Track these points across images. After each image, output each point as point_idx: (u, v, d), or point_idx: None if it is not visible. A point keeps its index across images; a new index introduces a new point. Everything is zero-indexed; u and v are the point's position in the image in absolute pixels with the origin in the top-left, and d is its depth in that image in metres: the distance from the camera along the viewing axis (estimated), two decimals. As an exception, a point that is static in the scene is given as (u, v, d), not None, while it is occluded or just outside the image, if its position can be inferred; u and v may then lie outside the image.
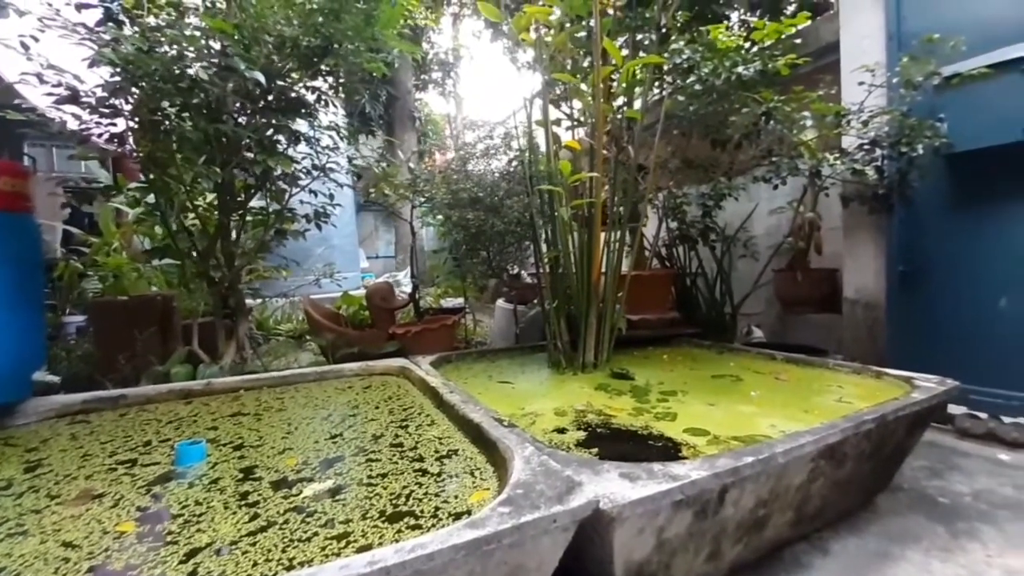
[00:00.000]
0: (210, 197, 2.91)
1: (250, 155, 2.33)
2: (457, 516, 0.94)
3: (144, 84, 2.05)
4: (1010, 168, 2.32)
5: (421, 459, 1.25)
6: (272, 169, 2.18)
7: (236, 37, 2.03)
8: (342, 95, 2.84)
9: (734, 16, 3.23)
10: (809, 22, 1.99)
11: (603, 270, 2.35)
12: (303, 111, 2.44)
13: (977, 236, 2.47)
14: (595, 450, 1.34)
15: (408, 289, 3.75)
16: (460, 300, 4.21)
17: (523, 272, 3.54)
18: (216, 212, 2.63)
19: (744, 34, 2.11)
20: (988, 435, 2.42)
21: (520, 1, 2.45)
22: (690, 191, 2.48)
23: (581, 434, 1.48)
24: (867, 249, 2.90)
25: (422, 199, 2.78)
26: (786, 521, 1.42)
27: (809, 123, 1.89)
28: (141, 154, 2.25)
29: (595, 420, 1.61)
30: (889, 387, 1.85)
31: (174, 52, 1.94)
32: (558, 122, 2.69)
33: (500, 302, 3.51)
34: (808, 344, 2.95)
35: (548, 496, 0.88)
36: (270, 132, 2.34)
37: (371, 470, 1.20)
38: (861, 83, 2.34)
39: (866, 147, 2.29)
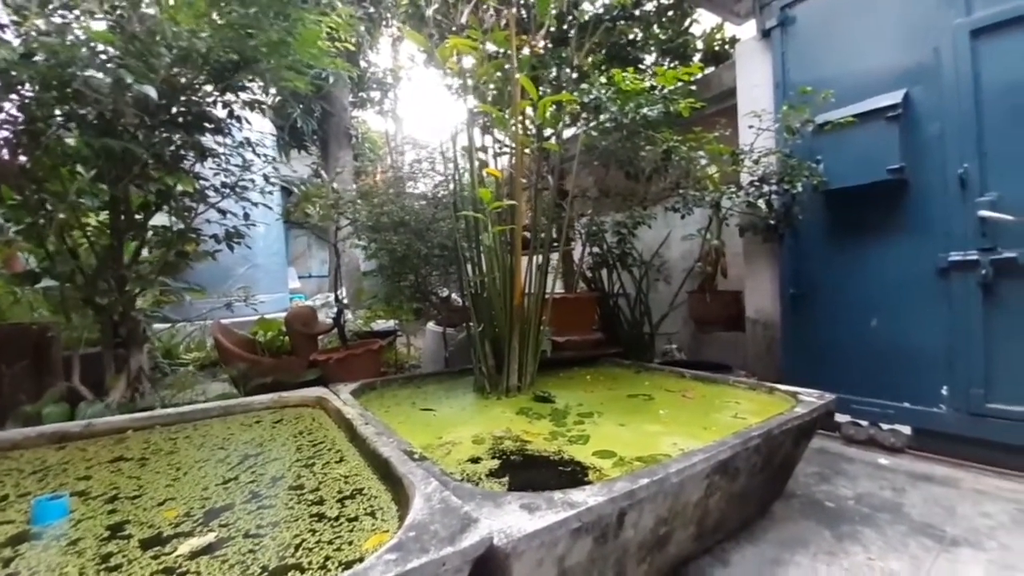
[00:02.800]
0: (104, 215, 2.64)
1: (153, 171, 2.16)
2: (348, 566, 0.90)
3: (22, 92, 1.85)
4: (875, 203, 2.67)
5: (321, 502, 1.19)
6: (171, 187, 2.02)
7: (129, 48, 1.89)
8: (261, 110, 2.72)
9: (649, 59, 3.51)
10: (702, 72, 2.21)
11: (526, 293, 2.40)
12: (211, 126, 2.31)
13: (851, 263, 2.81)
14: (505, 479, 1.35)
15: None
16: (392, 323, 4.10)
17: (453, 295, 3.53)
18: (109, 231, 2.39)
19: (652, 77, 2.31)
20: (869, 441, 2.72)
21: (450, 30, 2.50)
22: (607, 219, 2.63)
23: (495, 463, 1.48)
24: (764, 274, 3.20)
25: (346, 220, 2.70)
26: (688, 536, 1.49)
27: (704, 161, 2.08)
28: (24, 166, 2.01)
29: (511, 447, 1.62)
30: (778, 402, 2.03)
31: (53, 60, 1.76)
32: (484, 149, 2.75)
33: (430, 325, 3.46)
34: (716, 361, 3.17)
35: (441, 537, 0.86)
36: (172, 148, 2.18)
37: (261, 518, 1.11)
38: (751, 126, 2.62)
39: (756, 183, 2.56)
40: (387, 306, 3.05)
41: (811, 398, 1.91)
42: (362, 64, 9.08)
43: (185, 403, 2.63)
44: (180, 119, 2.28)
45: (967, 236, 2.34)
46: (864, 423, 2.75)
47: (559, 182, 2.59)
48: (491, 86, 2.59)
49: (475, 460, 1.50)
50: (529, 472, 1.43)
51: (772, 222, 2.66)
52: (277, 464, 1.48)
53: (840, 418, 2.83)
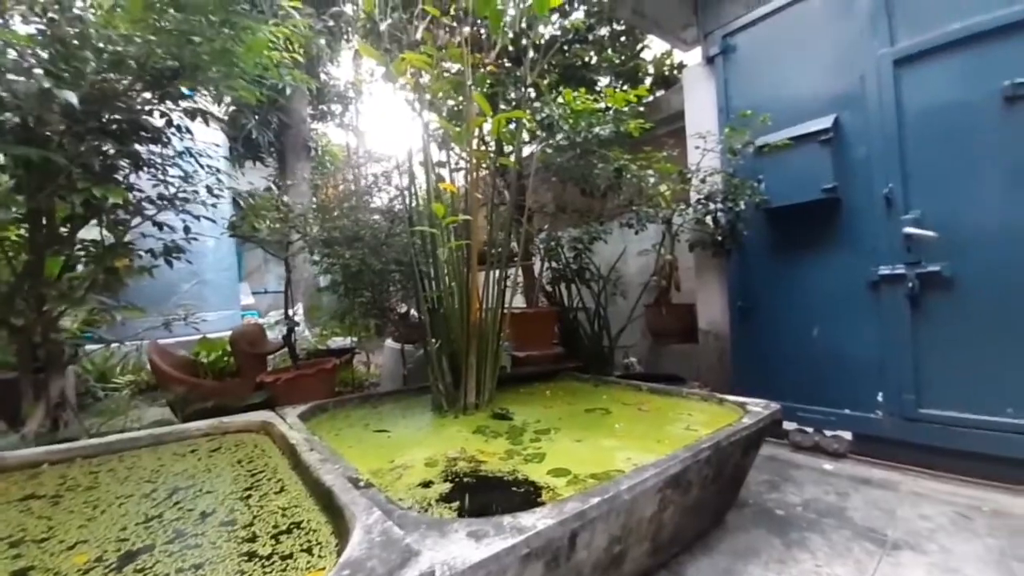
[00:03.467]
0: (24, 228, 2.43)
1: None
2: (277, 608, 0.83)
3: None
4: (812, 221, 2.83)
5: (254, 538, 1.10)
6: (98, 199, 1.89)
7: (55, 52, 1.77)
8: (205, 119, 2.59)
9: (603, 81, 3.63)
10: (652, 95, 2.30)
11: (484, 308, 2.38)
12: (148, 135, 2.18)
13: (792, 276, 2.96)
14: (456, 504, 1.30)
15: (297, 329, 3.44)
16: (349, 340, 3.96)
17: (412, 311, 3.46)
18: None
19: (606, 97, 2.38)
20: (815, 447, 2.83)
21: (405, 45, 2.49)
22: (564, 234, 2.67)
23: (447, 487, 1.43)
24: (714, 287, 3.32)
25: (297, 235, 2.60)
26: (644, 551, 1.49)
27: (652, 180, 2.16)
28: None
29: (465, 468, 1.57)
30: (728, 412, 2.08)
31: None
32: (442, 164, 2.74)
33: (388, 342, 3.37)
34: (671, 373, 3.24)
35: (378, 574, 0.81)
36: (102, 157, 2.04)
37: (184, 560, 1.02)
38: (697, 147, 2.74)
39: (703, 201, 2.67)
40: (341, 323, 2.94)
41: (757, 408, 1.97)
42: (322, 77, 8.93)
43: (116, 431, 2.42)
44: (112, 127, 2.14)
45: (894, 251, 2.51)
46: (810, 430, 2.87)
47: (519, 198, 2.61)
48: (449, 102, 2.59)
49: (426, 484, 1.44)
50: (482, 495, 1.39)
51: (719, 238, 2.77)
52: (209, 498, 1.38)
53: (788, 425, 2.94)
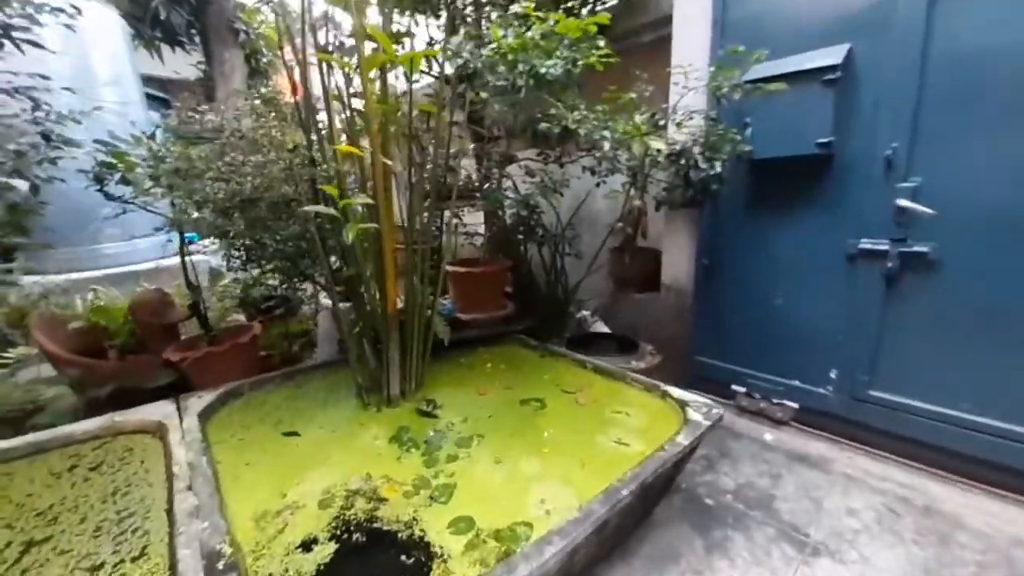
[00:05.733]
0: None
1: None
2: None
3: None
4: (796, 178, 2.45)
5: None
6: None
7: None
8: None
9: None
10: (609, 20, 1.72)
11: (410, 292, 2.07)
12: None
13: (764, 238, 2.65)
14: (330, 586, 1.16)
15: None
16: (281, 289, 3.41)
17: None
18: None
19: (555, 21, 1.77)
20: (759, 413, 2.81)
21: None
22: (510, 193, 2.22)
23: (330, 549, 1.27)
24: (681, 240, 3.01)
25: (162, 189, 2.03)
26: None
27: (607, 144, 1.70)
28: None
29: (361, 513, 1.42)
30: (668, 412, 1.94)
31: None
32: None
33: (322, 297, 3.07)
34: (625, 335, 3.08)
35: None
36: None
37: None
38: (676, 83, 2.22)
39: (673, 157, 2.23)
40: (241, 304, 2.58)
41: (698, 416, 1.82)
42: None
43: None
44: None
45: (882, 224, 2.20)
46: (757, 396, 2.82)
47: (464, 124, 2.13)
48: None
49: (308, 546, 1.29)
50: (364, 568, 1.24)
51: (689, 194, 2.40)
52: (57, 567, 1.20)
53: (736, 388, 2.89)
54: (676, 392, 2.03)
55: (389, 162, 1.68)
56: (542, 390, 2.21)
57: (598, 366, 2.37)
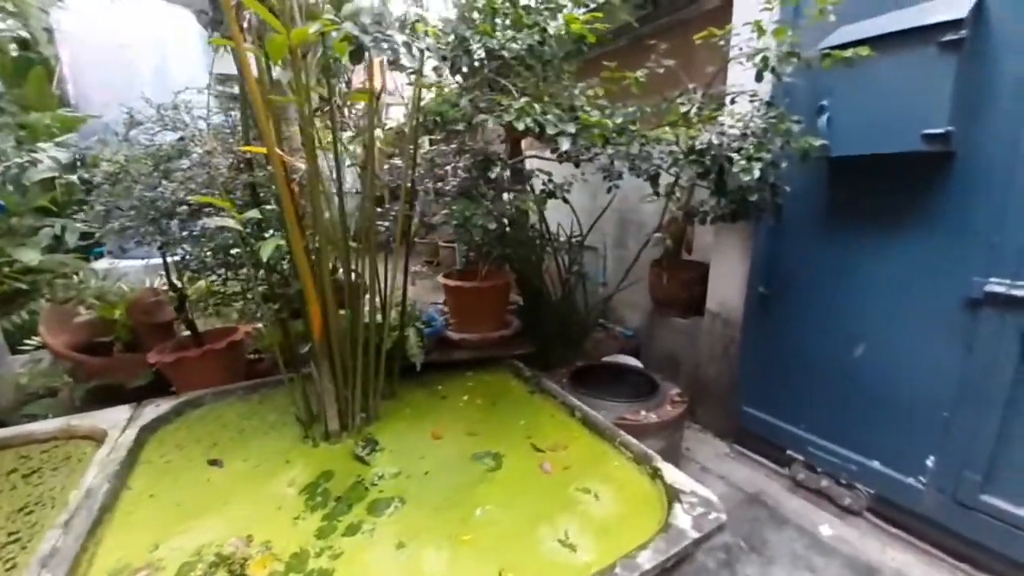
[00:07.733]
0: None
1: None
2: None
3: None
4: (896, 184, 1.74)
5: None
6: None
7: None
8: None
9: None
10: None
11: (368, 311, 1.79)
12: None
13: (843, 264, 1.96)
14: None
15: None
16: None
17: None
18: None
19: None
20: (819, 493, 2.14)
21: None
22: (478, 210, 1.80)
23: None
24: (732, 260, 2.38)
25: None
26: None
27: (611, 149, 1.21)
28: None
29: (211, 594, 1.18)
30: (649, 503, 1.44)
31: None
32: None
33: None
34: (648, 371, 2.53)
35: None
36: None
37: None
38: (739, 49, 1.63)
39: (693, 157, 1.63)
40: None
41: (687, 518, 1.31)
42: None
43: None
44: None
45: (1023, 258, 1.45)
46: (820, 470, 2.14)
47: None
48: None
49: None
50: None
51: (724, 205, 1.81)
52: None
53: (793, 455, 2.23)
54: (671, 474, 1.52)
55: (288, 158, 1.39)
56: (508, 441, 1.81)
57: (587, 416, 1.90)
